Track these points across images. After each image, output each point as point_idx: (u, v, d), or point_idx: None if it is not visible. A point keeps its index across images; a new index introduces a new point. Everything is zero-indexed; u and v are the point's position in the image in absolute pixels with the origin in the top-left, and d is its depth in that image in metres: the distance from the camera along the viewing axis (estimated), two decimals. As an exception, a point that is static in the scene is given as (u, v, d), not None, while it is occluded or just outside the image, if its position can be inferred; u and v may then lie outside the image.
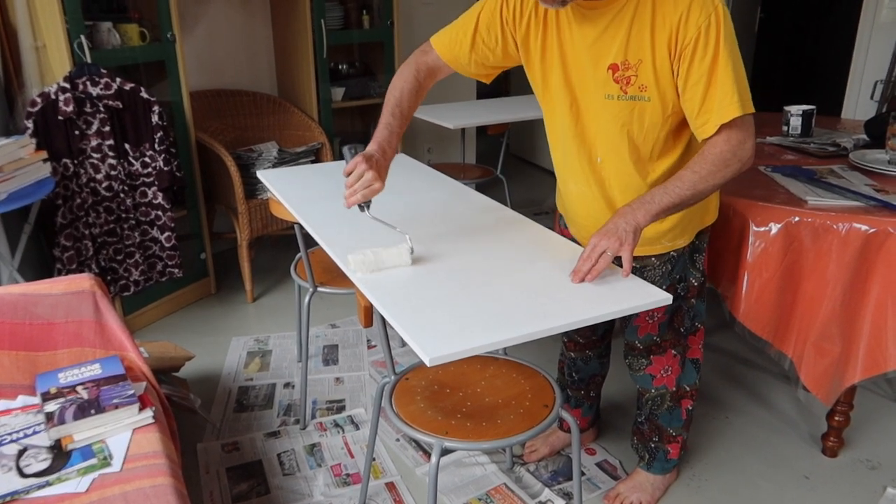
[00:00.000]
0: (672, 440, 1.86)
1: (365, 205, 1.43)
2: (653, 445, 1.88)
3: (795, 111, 2.50)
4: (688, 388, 1.84)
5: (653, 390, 1.81)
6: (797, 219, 1.80)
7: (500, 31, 1.54)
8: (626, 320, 1.72)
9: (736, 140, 1.36)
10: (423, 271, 1.40)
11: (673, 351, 1.76)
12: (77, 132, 2.44)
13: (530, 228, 1.64)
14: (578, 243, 1.57)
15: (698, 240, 1.68)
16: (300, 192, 1.91)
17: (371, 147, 1.47)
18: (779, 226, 1.81)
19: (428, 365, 1.10)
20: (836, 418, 2.04)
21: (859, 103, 3.77)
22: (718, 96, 1.33)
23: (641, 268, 1.63)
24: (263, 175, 2.08)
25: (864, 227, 1.73)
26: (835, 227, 1.76)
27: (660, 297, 1.29)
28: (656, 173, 1.52)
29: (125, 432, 1.50)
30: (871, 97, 3.66)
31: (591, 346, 1.97)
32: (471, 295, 1.29)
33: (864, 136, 2.42)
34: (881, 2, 3.61)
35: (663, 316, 1.70)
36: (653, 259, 1.63)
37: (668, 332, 1.73)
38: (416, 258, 1.44)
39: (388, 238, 1.47)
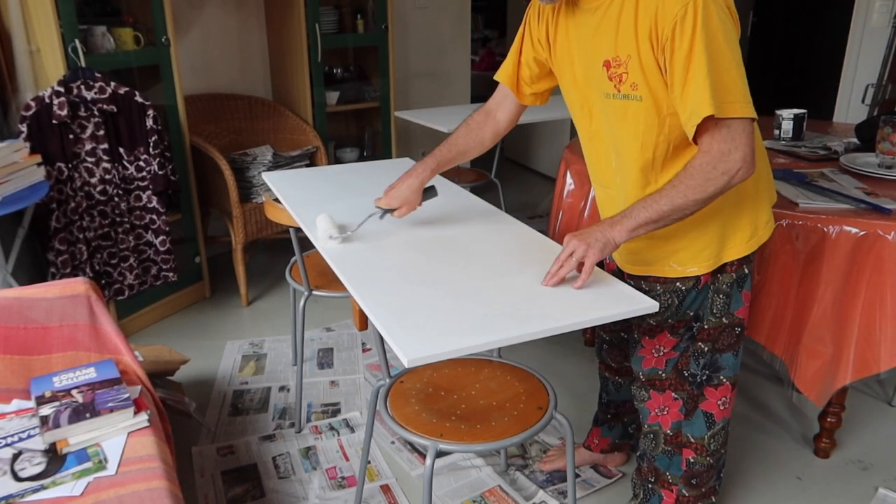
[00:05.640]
0: (667, 486, 1.70)
1: (387, 212, 1.65)
2: (649, 486, 1.75)
3: (787, 115, 2.52)
4: (692, 440, 1.63)
5: (646, 426, 1.70)
6: (788, 221, 1.81)
7: (531, 41, 1.55)
8: (635, 348, 1.65)
9: (717, 151, 1.22)
10: (412, 274, 1.41)
11: (673, 394, 1.62)
12: (71, 136, 2.44)
13: (523, 232, 1.65)
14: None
15: (720, 280, 1.50)
16: (300, 194, 1.92)
17: (420, 164, 1.67)
18: (770, 228, 1.82)
19: (406, 366, 1.10)
20: (828, 419, 2.06)
21: (850, 107, 3.80)
22: (692, 95, 1.21)
23: (647, 291, 1.49)
24: (267, 176, 2.11)
25: (854, 230, 1.75)
26: (825, 229, 1.77)
27: (645, 305, 1.28)
28: (660, 183, 1.38)
29: (120, 436, 1.50)
30: (863, 101, 3.69)
31: (622, 372, 1.88)
32: (458, 298, 1.30)
33: (855, 140, 2.44)
34: (872, 6, 3.64)
35: (671, 352, 1.58)
36: (658, 287, 1.52)
37: (673, 371, 1.61)
38: (408, 261, 1.46)
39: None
